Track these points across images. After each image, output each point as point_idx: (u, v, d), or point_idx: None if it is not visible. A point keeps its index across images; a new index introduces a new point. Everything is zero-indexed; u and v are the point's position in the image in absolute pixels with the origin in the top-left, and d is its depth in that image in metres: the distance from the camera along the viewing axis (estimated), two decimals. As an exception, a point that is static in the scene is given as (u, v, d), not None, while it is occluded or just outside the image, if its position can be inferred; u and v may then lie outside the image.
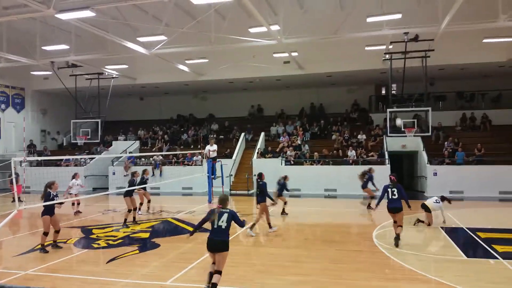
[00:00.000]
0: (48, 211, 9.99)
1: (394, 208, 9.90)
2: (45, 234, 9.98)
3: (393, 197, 9.94)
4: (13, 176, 10.40)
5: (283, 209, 14.75)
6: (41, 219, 10.09)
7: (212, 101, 30.88)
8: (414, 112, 19.06)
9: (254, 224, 11.54)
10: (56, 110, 29.75)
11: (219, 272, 6.53)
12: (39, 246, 10.02)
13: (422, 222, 12.37)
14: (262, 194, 11.50)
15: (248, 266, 8.55)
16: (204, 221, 6.93)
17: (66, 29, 19.54)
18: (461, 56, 20.57)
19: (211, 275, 6.62)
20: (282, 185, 14.87)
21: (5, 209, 14.91)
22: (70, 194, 15.17)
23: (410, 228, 12.83)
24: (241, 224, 7.00)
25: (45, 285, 7.39)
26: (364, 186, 15.58)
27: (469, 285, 7.14)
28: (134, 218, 13.52)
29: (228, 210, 6.79)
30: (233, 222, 6.77)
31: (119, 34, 17.64)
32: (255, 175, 22.15)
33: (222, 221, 6.65)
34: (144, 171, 14.72)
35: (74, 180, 15.47)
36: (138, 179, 13.98)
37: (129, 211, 13.16)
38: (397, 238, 9.73)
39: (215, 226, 6.67)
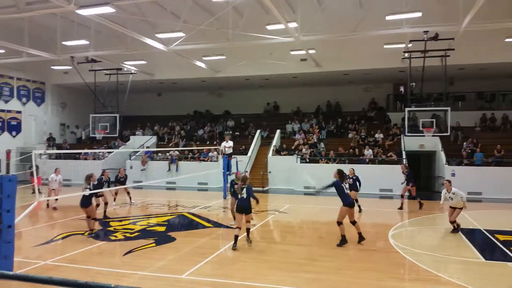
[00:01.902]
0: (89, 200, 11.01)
1: (245, 208, 9.82)
2: (95, 219, 11.10)
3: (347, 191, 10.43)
4: (34, 168, 10.64)
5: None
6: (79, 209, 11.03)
7: (229, 97, 30.99)
8: (433, 112, 18.81)
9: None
10: (75, 104, 30.23)
11: (249, 222, 10.00)
12: (88, 232, 10.89)
13: (458, 226, 11.49)
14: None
15: (261, 263, 8.58)
16: (232, 187, 11.05)
17: (86, 24, 19.81)
18: (481, 56, 20.19)
19: (236, 238, 9.50)
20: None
21: (25, 200, 15.25)
22: (53, 189, 15.25)
23: (427, 228, 12.72)
24: (255, 198, 9.93)
25: (63, 276, 7.55)
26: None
27: (486, 288, 7.03)
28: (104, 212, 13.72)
29: (246, 186, 9.92)
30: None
31: (138, 30, 17.83)
32: (270, 172, 22.44)
33: (243, 193, 9.84)
34: (103, 172, 14.80)
35: (53, 175, 15.51)
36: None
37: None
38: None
39: (239, 197, 9.89)
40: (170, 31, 17.79)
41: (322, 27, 17.44)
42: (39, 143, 26.69)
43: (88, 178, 11.16)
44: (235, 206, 10.44)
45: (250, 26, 17.68)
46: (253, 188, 10.34)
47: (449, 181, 11.57)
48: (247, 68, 23.44)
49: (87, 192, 10.98)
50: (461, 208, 11.11)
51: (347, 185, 10.63)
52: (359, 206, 14.66)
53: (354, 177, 14.56)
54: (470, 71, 22.42)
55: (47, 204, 15.67)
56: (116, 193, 16.50)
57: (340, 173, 10.19)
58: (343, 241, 9.79)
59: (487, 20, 15.32)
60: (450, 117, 17.97)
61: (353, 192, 14.31)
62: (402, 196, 15.54)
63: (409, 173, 15.68)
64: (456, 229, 11.35)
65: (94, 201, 11.80)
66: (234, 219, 11.22)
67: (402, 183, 15.80)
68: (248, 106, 29.79)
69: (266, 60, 22.28)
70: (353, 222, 9.98)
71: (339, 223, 9.88)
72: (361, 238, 9.94)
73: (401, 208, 15.27)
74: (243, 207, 9.73)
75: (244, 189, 9.78)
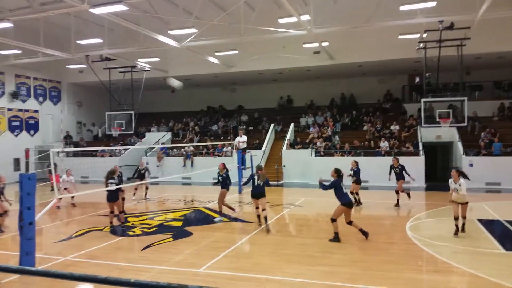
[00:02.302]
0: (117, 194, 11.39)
1: (260, 193, 11.09)
2: (123, 212, 11.68)
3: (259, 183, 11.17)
4: (52, 166, 10.82)
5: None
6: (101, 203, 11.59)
7: (242, 92, 31.00)
8: (449, 102, 18.53)
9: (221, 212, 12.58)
10: (91, 102, 30.62)
11: (264, 210, 10.97)
12: (108, 227, 11.31)
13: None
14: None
15: (278, 256, 8.60)
16: (250, 179, 11.32)
17: (100, 23, 20.01)
18: (498, 44, 19.75)
19: (259, 216, 11.20)
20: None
21: (44, 198, 15.54)
22: (65, 189, 15.42)
23: (445, 220, 12.57)
24: (268, 183, 11.58)
25: (83, 271, 7.69)
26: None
27: (508, 280, 6.91)
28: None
29: (261, 174, 11.17)
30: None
31: (150, 28, 17.93)
32: (284, 166, 22.41)
33: (259, 181, 11.06)
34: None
35: (64, 176, 15.58)
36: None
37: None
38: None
39: (255, 184, 11.06)
40: (182, 28, 17.85)
41: (335, 19, 17.32)
42: (57, 141, 27.12)
43: (113, 172, 11.49)
44: (224, 198, 12.47)
45: (262, 20, 17.63)
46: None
47: (457, 171, 10.26)
48: (259, 62, 23.39)
49: (114, 187, 11.18)
50: (467, 203, 9.99)
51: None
52: (358, 199, 14.49)
53: (355, 169, 14.43)
54: (487, 60, 21.98)
55: (57, 206, 15.35)
56: (136, 188, 16.81)
57: (337, 171, 9.91)
58: (336, 238, 9.52)
59: (504, 8, 14.99)
60: (467, 107, 17.69)
61: (353, 184, 14.37)
62: (397, 192, 14.27)
63: (402, 167, 14.39)
64: (462, 228, 10.09)
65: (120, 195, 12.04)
66: (221, 210, 12.57)
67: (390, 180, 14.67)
68: (262, 100, 29.76)
69: (279, 54, 22.19)
70: (349, 223, 9.62)
71: (333, 220, 9.59)
72: (364, 234, 9.63)
73: (397, 205, 14.15)
74: (259, 193, 11.01)
75: (259, 177, 11.11)
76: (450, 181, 10.15)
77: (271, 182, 21.52)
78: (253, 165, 20.38)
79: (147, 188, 17.24)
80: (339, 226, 9.59)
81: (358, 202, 14.48)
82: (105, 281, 2.97)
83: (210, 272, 7.62)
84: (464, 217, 10.09)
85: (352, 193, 14.01)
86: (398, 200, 14.25)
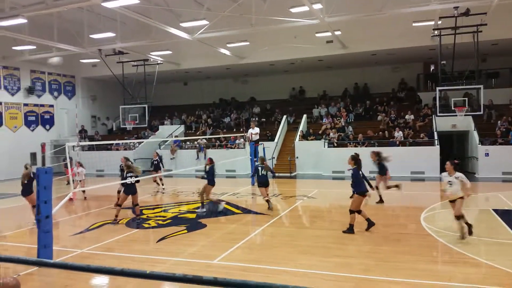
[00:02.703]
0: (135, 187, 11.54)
1: (265, 182, 12.35)
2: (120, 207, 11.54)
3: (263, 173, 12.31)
4: (68, 160, 10.97)
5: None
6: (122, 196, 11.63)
7: (253, 84, 30.92)
8: (465, 90, 18.22)
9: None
10: (105, 96, 30.90)
11: (268, 197, 12.39)
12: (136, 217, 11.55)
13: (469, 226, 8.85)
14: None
15: (291, 247, 8.62)
16: (255, 171, 12.67)
17: (112, 17, 20.10)
18: (516, 30, 19.32)
19: (268, 201, 12.32)
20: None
21: (60, 191, 15.80)
22: (80, 181, 15.54)
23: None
24: (272, 172, 12.86)
25: (99, 263, 7.81)
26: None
27: (524, 270, 6.83)
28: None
29: (263, 165, 12.39)
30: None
31: (162, 20, 17.95)
32: (297, 157, 22.36)
33: (262, 171, 12.28)
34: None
35: (75, 168, 15.74)
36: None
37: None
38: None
39: (260, 174, 12.34)
40: (193, 20, 17.83)
41: (347, 7, 17.09)
42: (72, 135, 27.49)
43: (128, 167, 11.52)
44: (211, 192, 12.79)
45: (274, 10, 17.50)
46: (280, 174, 14.79)
47: (452, 163, 8.79)
48: (271, 53, 23.28)
49: (133, 179, 11.30)
50: (462, 198, 8.59)
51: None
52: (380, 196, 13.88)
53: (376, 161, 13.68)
54: (504, 47, 21.48)
55: (71, 199, 15.52)
56: (154, 180, 17.56)
57: (355, 159, 9.65)
58: (351, 230, 9.42)
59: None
60: (483, 95, 17.40)
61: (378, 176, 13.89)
62: (377, 188, 13.01)
63: (380, 162, 13.23)
64: (469, 230, 8.73)
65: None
66: (203, 203, 12.66)
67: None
68: (274, 91, 29.65)
69: (291, 44, 22.03)
70: (358, 211, 9.56)
71: (352, 211, 9.47)
72: (370, 224, 9.47)
73: (380, 201, 13.16)
74: (266, 181, 12.34)
75: (261, 167, 12.29)
76: (445, 174, 8.86)
77: (284, 174, 21.68)
78: (266, 157, 20.43)
79: (161, 179, 17.53)
80: (357, 218, 9.56)
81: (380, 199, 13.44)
82: (121, 273, 3.00)
83: (224, 263, 7.68)
84: (458, 218, 8.61)
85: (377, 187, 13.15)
86: (380, 197, 13.19)
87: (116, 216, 11.36)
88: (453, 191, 8.61)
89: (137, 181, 11.88)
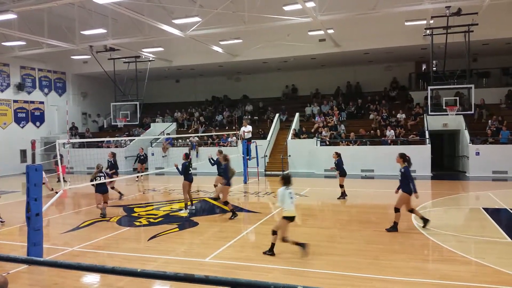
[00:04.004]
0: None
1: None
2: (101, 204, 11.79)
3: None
4: (58, 157, 10.88)
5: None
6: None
7: (246, 82, 30.89)
8: (456, 90, 18.36)
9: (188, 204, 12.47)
10: (96, 93, 30.66)
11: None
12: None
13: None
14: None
15: (283, 246, 8.57)
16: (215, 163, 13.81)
17: (103, 13, 19.92)
18: (507, 30, 19.45)
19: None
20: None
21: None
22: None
23: (451, 209, 12.55)
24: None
25: (90, 261, 7.75)
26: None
27: (513, 268, 6.89)
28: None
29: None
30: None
31: (154, 17, 17.83)
32: (289, 155, 22.40)
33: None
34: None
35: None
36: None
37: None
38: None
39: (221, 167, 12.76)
40: (186, 17, 17.73)
41: (340, 5, 17.09)
42: (62, 132, 27.25)
43: (99, 168, 11.96)
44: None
45: (267, 8, 17.46)
46: (272, 172, 11.41)
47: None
48: (264, 51, 23.25)
49: (102, 180, 11.72)
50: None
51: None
52: (343, 192, 13.92)
53: (336, 161, 13.94)
54: (494, 46, 21.69)
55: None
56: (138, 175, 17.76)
57: (403, 156, 9.44)
58: (394, 228, 9.40)
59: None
60: (474, 95, 17.53)
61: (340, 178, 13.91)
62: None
63: (340, 161, 13.90)
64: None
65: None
66: (186, 202, 12.35)
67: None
68: (266, 90, 29.65)
69: (284, 42, 22.02)
70: (411, 210, 9.58)
71: (397, 209, 9.45)
72: (425, 222, 9.50)
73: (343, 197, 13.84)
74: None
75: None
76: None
77: (276, 172, 21.69)
78: (258, 155, 20.42)
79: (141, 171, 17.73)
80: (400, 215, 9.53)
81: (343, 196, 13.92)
82: (112, 271, 2.97)
83: (216, 261, 7.65)
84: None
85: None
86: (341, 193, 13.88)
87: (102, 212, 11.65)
88: None
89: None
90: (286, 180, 7.89)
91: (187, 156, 12.51)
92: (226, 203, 11.30)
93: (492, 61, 24.16)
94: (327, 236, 9.30)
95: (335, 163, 13.99)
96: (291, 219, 7.84)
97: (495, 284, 6.30)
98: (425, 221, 9.53)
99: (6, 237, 10.00)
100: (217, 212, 12.46)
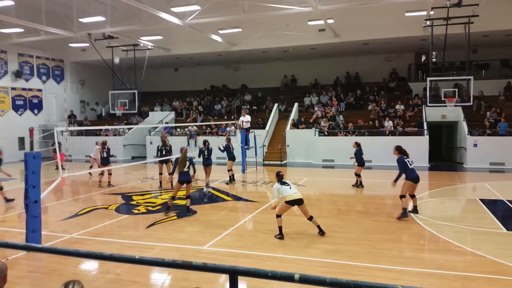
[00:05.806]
0: None
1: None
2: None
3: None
4: (56, 145, 10.85)
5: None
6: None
7: (245, 71, 30.76)
8: (455, 81, 18.33)
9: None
10: (94, 81, 30.51)
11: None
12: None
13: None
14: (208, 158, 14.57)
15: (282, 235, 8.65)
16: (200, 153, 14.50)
17: (102, 0, 19.75)
18: (507, 22, 19.34)
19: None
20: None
21: (49, 176, 15.67)
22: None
23: (448, 200, 12.62)
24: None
25: (88, 248, 7.79)
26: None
27: (508, 259, 6.96)
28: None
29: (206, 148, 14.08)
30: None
31: (153, 5, 17.67)
32: (288, 145, 22.42)
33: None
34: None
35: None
36: None
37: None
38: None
39: (205, 157, 14.26)
40: (185, 4, 17.60)
41: (340, -5, 16.98)
42: (61, 120, 27.16)
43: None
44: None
45: (267, -3, 17.33)
46: (271, 162, 11.34)
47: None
48: (263, 40, 23.13)
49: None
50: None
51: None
52: (360, 182, 14.35)
53: (356, 151, 14.45)
54: (494, 38, 21.62)
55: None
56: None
57: (398, 149, 10.08)
58: (404, 214, 9.66)
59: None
60: (473, 86, 17.51)
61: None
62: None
63: (358, 151, 14.43)
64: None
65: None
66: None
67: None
68: (265, 79, 29.54)
69: (283, 32, 21.89)
70: (412, 196, 10.08)
71: (402, 196, 9.84)
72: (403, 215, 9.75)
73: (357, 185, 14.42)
74: (209, 164, 14.29)
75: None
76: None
77: (274, 162, 21.73)
78: (257, 145, 20.42)
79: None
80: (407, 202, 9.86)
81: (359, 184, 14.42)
82: (110, 258, 3.00)
83: (214, 249, 7.71)
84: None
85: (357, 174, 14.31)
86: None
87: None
88: None
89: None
90: (281, 177, 8.63)
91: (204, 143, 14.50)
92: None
93: (492, 53, 24.09)
94: (325, 226, 9.32)
95: (354, 153, 14.31)
96: (292, 203, 8.34)
97: (491, 274, 6.38)
98: (416, 211, 10.01)
99: (5, 223, 10.04)
100: (217, 200, 12.50)
